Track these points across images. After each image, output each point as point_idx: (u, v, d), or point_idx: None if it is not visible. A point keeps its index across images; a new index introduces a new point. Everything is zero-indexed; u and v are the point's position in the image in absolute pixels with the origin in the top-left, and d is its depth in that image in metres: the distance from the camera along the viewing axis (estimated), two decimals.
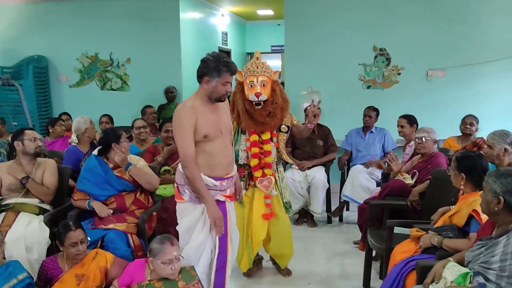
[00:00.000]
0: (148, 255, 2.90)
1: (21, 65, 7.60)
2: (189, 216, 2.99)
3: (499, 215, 2.34)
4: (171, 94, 7.41)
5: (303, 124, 3.92)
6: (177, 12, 7.55)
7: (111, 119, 6.20)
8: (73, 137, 4.66)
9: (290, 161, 4.05)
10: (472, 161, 3.01)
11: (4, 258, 2.89)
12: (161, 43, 7.58)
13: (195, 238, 2.98)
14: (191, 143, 2.87)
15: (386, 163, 5.04)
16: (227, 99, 3.20)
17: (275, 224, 3.93)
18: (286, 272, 4.20)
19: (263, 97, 3.59)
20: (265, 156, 3.78)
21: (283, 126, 3.86)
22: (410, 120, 5.12)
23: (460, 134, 5.53)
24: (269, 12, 10.95)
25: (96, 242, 3.36)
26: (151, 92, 7.55)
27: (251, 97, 3.60)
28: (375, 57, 6.90)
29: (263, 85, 3.59)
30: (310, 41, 6.92)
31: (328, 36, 6.89)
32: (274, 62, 12.44)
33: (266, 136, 3.77)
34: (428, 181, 3.94)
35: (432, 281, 2.44)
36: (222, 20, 10.22)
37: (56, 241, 3.12)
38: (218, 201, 3.01)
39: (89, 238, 3.10)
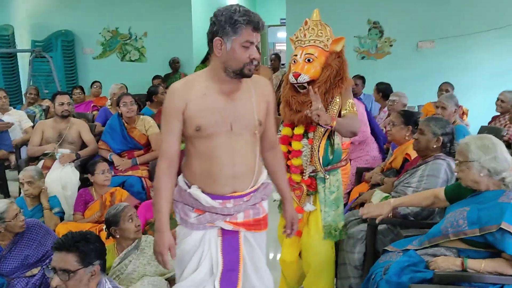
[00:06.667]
0: None
1: (51, 38, 8.43)
2: (183, 245, 2.16)
3: (433, 152, 3.04)
4: (177, 65, 8.24)
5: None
6: None
7: (126, 88, 7.04)
8: (108, 101, 5.51)
9: (320, 169, 2.75)
10: (415, 116, 3.75)
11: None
12: (175, 17, 8.32)
13: (186, 276, 2.15)
14: (169, 138, 2.06)
15: None
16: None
17: (304, 249, 2.94)
18: None
19: (304, 77, 2.63)
20: (291, 156, 2.80)
21: None
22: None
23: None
24: None
25: (119, 185, 4.15)
26: (165, 63, 8.32)
27: (290, 77, 2.70)
28: (369, 30, 7.59)
29: (308, 60, 2.65)
30: (309, 15, 7.45)
31: (326, 10, 7.26)
32: (282, 34, 12.87)
33: (298, 130, 2.77)
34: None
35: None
36: None
37: (86, 180, 4.02)
38: (224, 230, 2.16)
39: (113, 172, 3.99)
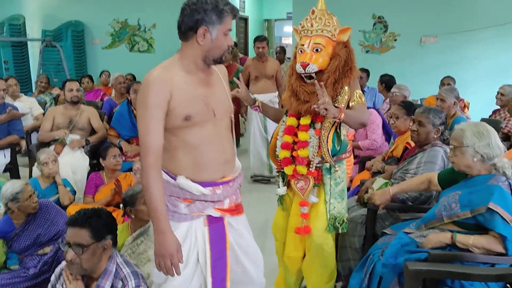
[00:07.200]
0: None
1: (61, 29, 8.57)
2: None
3: (432, 141, 3.15)
4: None
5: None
6: None
7: (134, 77, 7.23)
8: (113, 91, 5.75)
9: (329, 160, 2.63)
10: (415, 106, 3.85)
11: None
12: None
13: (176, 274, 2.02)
14: (155, 131, 1.93)
15: None
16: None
17: (308, 243, 2.82)
18: None
19: (312, 67, 2.55)
20: (298, 147, 2.67)
21: None
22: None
23: None
24: None
25: (128, 170, 4.26)
26: (173, 54, 8.37)
27: (297, 67, 2.61)
28: (374, 24, 7.68)
29: (316, 50, 2.57)
30: None
31: (332, 4, 7.38)
32: (288, 29, 12.95)
33: (305, 120, 2.67)
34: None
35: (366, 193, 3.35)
36: None
37: (95, 166, 4.15)
38: (211, 217, 2.12)
39: (123, 158, 4.12)
